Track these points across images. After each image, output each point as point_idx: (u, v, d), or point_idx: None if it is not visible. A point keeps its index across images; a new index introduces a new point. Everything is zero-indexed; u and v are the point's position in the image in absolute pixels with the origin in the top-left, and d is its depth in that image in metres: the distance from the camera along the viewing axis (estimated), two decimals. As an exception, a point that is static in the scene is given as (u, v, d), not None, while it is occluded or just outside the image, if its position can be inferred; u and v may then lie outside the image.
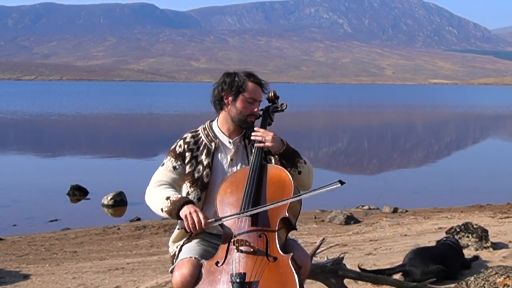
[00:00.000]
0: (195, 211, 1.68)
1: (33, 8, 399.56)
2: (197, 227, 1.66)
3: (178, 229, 1.87)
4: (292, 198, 1.69)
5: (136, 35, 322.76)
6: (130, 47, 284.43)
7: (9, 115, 22.05)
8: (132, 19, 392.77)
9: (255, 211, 1.67)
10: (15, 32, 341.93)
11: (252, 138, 1.83)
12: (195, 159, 1.84)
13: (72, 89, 68.15)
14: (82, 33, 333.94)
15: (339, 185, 1.61)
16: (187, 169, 1.83)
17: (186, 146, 1.85)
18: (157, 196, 1.76)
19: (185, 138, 1.88)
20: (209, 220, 1.70)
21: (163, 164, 1.86)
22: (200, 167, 1.83)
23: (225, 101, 1.85)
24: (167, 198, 1.73)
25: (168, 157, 1.86)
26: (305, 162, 1.86)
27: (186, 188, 1.84)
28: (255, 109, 1.84)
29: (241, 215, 1.69)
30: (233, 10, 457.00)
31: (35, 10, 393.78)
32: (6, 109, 25.72)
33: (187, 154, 1.84)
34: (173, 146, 1.88)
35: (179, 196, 1.75)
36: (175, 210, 1.70)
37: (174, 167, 1.84)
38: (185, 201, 1.71)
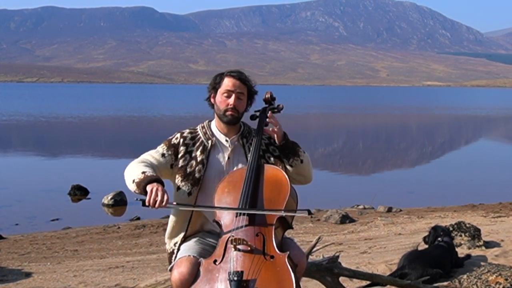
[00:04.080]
0: (162, 190, 1.68)
1: (34, 11, 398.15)
2: (156, 204, 1.66)
3: (173, 216, 1.88)
4: (268, 211, 1.71)
5: (135, 38, 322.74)
6: (130, 50, 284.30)
7: (10, 117, 21.96)
8: (132, 22, 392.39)
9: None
10: (17, 35, 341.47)
11: (268, 120, 1.88)
12: (189, 154, 1.86)
13: (73, 91, 67.88)
14: (83, 36, 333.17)
15: (306, 214, 1.73)
16: (180, 163, 1.85)
17: (182, 140, 1.88)
18: (136, 169, 1.77)
19: (183, 132, 1.92)
20: (170, 202, 1.70)
21: (155, 149, 1.91)
22: (193, 162, 1.85)
23: (212, 100, 1.91)
24: (143, 172, 1.75)
25: (162, 144, 1.90)
26: (304, 152, 1.90)
27: (178, 182, 1.85)
28: (231, 103, 1.85)
29: (211, 208, 1.73)
30: (230, 13, 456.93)
31: (37, 14, 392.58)
32: (8, 111, 25.63)
33: (181, 148, 1.87)
34: (170, 137, 1.92)
35: (155, 174, 1.75)
36: (144, 182, 1.70)
37: (163, 154, 1.86)
38: (157, 179, 1.72)
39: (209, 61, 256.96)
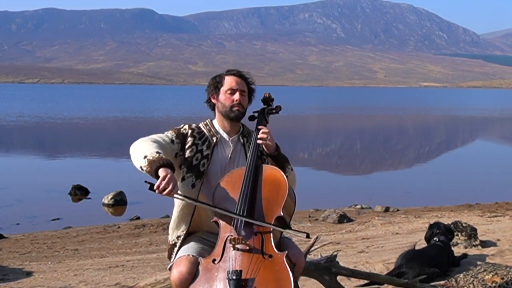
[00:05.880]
0: (174, 179, 1.65)
1: (35, 13, 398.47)
2: (165, 192, 1.64)
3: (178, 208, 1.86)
4: (272, 225, 1.70)
5: (135, 39, 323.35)
6: (130, 51, 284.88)
7: (17, 118, 21.93)
8: (132, 24, 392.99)
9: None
10: (18, 37, 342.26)
11: (259, 135, 1.88)
12: (195, 146, 1.88)
13: (74, 92, 67.83)
14: (83, 38, 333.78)
15: (304, 236, 1.70)
16: (187, 153, 1.87)
17: (190, 131, 1.90)
18: (149, 147, 1.74)
19: (191, 125, 1.94)
20: (178, 193, 1.69)
21: (162, 133, 1.89)
22: (199, 155, 1.87)
23: (213, 101, 1.93)
24: (158, 152, 1.71)
25: (170, 131, 1.89)
26: (291, 169, 1.91)
27: (182, 173, 1.87)
28: (236, 99, 1.87)
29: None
30: (229, 15, 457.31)
31: (38, 15, 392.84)
32: (13, 112, 25.60)
33: (189, 139, 1.88)
34: (177, 126, 1.92)
35: (169, 159, 1.72)
36: (158, 163, 1.67)
37: (172, 141, 1.86)
38: (171, 164, 1.69)
39: (208, 62, 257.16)
